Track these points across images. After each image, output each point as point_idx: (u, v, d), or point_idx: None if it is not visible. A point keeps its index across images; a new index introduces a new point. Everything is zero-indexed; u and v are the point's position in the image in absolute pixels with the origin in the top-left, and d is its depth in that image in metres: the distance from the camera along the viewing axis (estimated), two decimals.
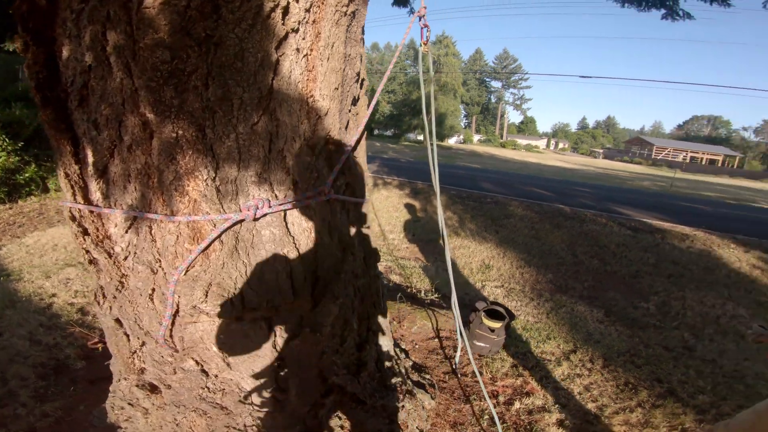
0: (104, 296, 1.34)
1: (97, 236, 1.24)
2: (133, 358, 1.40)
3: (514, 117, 71.86)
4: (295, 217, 1.32)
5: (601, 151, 58.55)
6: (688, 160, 47.28)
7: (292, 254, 1.28)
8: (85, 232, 1.25)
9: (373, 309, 1.73)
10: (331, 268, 1.41)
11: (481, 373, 2.44)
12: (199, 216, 1.16)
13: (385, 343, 1.83)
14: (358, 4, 1.37)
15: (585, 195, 11.04)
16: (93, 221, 1.22)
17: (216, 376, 1.31)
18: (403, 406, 1.71)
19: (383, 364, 1.80)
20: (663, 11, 5.55)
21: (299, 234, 1.32)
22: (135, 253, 1.21)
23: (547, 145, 65.44)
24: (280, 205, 1.24)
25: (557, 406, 2.20)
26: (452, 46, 45.76)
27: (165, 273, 1.20)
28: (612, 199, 10.57)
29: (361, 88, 1.59)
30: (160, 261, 1.20)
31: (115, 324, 1.37)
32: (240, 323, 1.26)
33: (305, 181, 1.32)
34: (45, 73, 1.20)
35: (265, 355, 1.30)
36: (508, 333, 2.76)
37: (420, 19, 1.74)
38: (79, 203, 1.21)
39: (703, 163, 48.13)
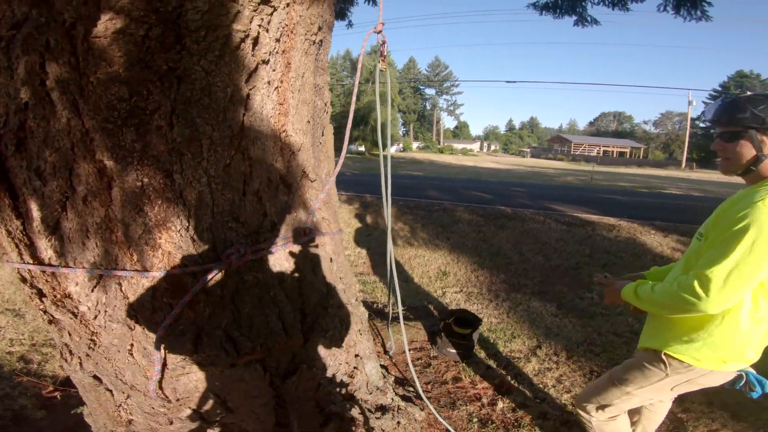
0: (71, 353, 1.20)
1: (55, 297, 1.10)
2: (119, 411, 1.27)
3: (448, 122, 75.10)
4: (277, 258, 1.28)
5: (528, 150, 63.19)
6: (601, 154, 52.61)
7: (280, 296, 1.24)
8: (41, 294, 1.11)
9: (359, 336, 1.72)
10: (318, 304, 1.38)
11: (460, 378, 2.52)
12: (176, 270, 1.08)
13: (372, 365, 1.83)
14: (325, 32, 1.37)
15: (521, 195, 11.81)
16: (48, 281, 1.09)
17: (216, 421, 1.21)
18: (398, 422, 1.71)
19: (373, 386, 1.79)
20: (575, 18, 6.17)
21: (284, 275, 1.28)
22: (106, 311, 1.10)
23: (480, 148, 69.28)
24: (261, 249, 1.20)
25: (537, 400, 2.33)
26: (387, 56, 46.95)
27: (144, 328, 1.10)
28: (544, 197, 11.41)
29: (326, 116, 1.58)
30: (137, 317, 1.10)
31: (93, 380, 1.23)
32: (235, 368, 1.18)
33: (284, 222, 1.28)
34: None
35: (263, 395, 1.24)
36: (476, 339, 2.86)
37: (378, 34, 1.70)
38: (28, 263, 1.07)
39: (614, 155, 53.81)
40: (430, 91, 66.32)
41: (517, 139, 79.35)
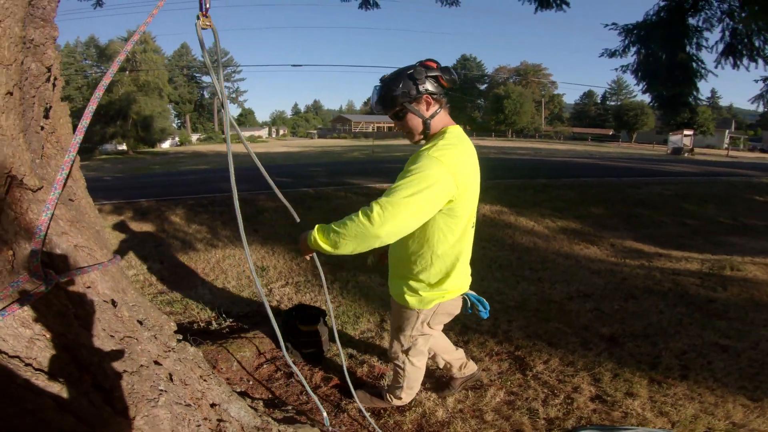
0: None
1: None
2: None
3: (232, 110, 69.86)
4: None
5: (315, 131, 65.84)
6: (376, 130, 59.93)
7: (36, 380, 0.72)
8: None
9: (203, 383, 1.27)
10: (123, 370, 0.90)
11: (330, 378, 2.35)
12: None
13: (237, 407, 1.41)
14: None
15: (319, 174, 12.13)
16: None
17: None
18: None
19: (252, 428, 1.38)
20: (360, 1, 6.48)
21: (24, 349, 0.75)
22: None
23: (269, 134, 67.69)
24: None
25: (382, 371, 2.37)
26: (151, 42, 39.34)
27: None
28: (340, 173, 12.08)
29: (54, 90, 1.01)
30: None
31: None
32: None
33: None
34: None
35: None
36: (327, 330, 2.70)
37: None
38: None
39: (385, 130, 62.15)
40: (207, 79, 59.71)
41: (304, 122, 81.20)
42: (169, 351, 1.13)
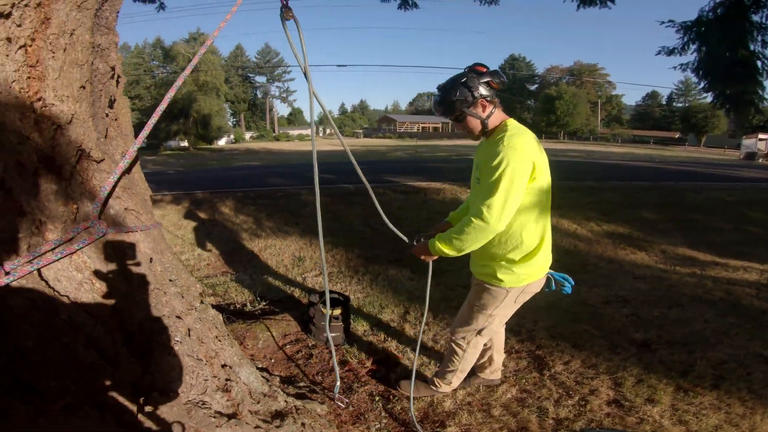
0: None
1: None
2: None
3: (282, 110, 72.82)
4: (58, 270, 0.93)
5: (361, 131, 66.85)
6: (421, 130, 59.83)
7: (80, 317, 0.91)
8: None
9: (218, 343, 1.44)
10: (147, 318, 1.08)
11: (347, 361, 2.47)
12: None
13: (248, 372, 1.58)
14: None
15: (362, 172, 12.40)
16: None
17: None
18: (303, 424, 1.53)
19: (258, 394, 1.55)
20: (398, 1, 6.59)
21: (74, 290, 0.93)
22: None
23: (317, 132, 69.77)
24: (26, 263, 0.84)
25: (422, 363, 2.44)
26: (211, 45, 41.97)
27: None
28: (382, 171, 12.25)
29: (117, 86, 1.22)
30: None
31: None
32: (53, 417, 0.81)
33: (57, 218, 0.93)
34: None
35: None
36: (350, 315, 2.84)
37: None
38: None
39: (431, 130, 61.86)
40: (260, 79, 62.78)
41: (350, 121, 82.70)
42: (192, 309, 1.31)
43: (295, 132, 57.75)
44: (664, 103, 61.59)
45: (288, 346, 2.62)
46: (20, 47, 0.84)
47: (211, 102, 35.76)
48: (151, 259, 1.20)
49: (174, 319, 1.20)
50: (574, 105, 48.65)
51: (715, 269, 4.26)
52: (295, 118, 72.39)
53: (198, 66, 38.44)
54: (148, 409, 1.09)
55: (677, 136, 50.16)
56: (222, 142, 44.03)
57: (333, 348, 2.11)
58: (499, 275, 1.72)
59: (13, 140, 0.82)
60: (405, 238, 2.04)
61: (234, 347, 1.55)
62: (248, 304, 3.33)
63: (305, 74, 1.47)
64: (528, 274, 1.72)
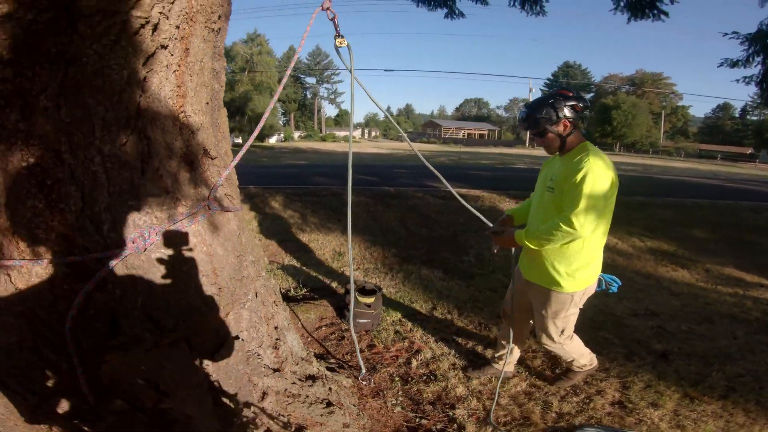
0: None
1: None
2: (36, 415, 1.15)
3: (330, 111, 74.96)
4: (184, 235, 1.32)
5: (406, 135, 67.17)
6: (466, 137, 59.19)
7: (192, 271, 1.29)
8: None
9: (275, 307, 1.82)
10: (232, 277, 1.46)
11: (374, 345, 2.77)
12: (76, 257, 1.06)
13: (293, 336, 1.94)
14: (224, 21, 1.43)
15: (403, 175, 12.71)
16: None
17: (151, 408, 1.21)
18: (330, 389, 1.86)
19: (298, 357, 1.91)
20: (445, 10, 6.88)
21: (193, 250, 1.32)
22: None
23: (362, 134, 71.14)
24: (166, 227, 1.23)
25: (443, 353, 2.69)
26: (265, 44, 44.18)
27: (47, 319, 1.05)
28: (423, 176, 12.48)
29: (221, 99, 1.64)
30: (34, 309, 1.04)
31: None
32: (160, 349, 1.20)
33: (187, 198, 1.32)
34: None
35: (195, 375, 1.28)
36: (381, 306, 3.15)
37: (326, 11, 1.60)
38: None
39: (476, 137, 61.02)
40: (310, 80, 65.03)
41: (395, 124, 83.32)
42: (260, 276, 1.67)
43: (341, 133, 59.09)
44: (737, 116, 56.66)
45: (323, 328, 2.97)
46: (173, 72, 1.22)
47: (265, 101, 37.37)
48: (239, 233, 1.58)
49: (249, 280, 1.57)
50: (633, 116, 45.87)
51: (759, 290, 4.14)
52: (342, 119, 74.20)
53: (254, 66, 40.48)
54: (222, 351, 1.46)
55: (749, 152, 46.03)
56: (273, 140, 45.95)
57: (354, 332, 2.35)
58: (562, 281, 1.88)
59: (168, 140, 1.21)
60: (489, 223, 2.28)
61: (286, 312, 1.91)
62: (291, 289, 3.74)
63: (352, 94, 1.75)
64: (587, 278, 1.91)
